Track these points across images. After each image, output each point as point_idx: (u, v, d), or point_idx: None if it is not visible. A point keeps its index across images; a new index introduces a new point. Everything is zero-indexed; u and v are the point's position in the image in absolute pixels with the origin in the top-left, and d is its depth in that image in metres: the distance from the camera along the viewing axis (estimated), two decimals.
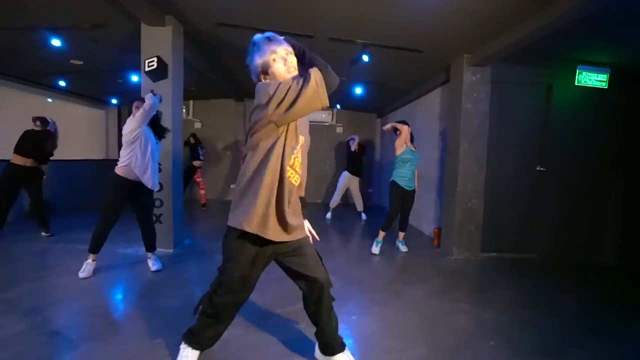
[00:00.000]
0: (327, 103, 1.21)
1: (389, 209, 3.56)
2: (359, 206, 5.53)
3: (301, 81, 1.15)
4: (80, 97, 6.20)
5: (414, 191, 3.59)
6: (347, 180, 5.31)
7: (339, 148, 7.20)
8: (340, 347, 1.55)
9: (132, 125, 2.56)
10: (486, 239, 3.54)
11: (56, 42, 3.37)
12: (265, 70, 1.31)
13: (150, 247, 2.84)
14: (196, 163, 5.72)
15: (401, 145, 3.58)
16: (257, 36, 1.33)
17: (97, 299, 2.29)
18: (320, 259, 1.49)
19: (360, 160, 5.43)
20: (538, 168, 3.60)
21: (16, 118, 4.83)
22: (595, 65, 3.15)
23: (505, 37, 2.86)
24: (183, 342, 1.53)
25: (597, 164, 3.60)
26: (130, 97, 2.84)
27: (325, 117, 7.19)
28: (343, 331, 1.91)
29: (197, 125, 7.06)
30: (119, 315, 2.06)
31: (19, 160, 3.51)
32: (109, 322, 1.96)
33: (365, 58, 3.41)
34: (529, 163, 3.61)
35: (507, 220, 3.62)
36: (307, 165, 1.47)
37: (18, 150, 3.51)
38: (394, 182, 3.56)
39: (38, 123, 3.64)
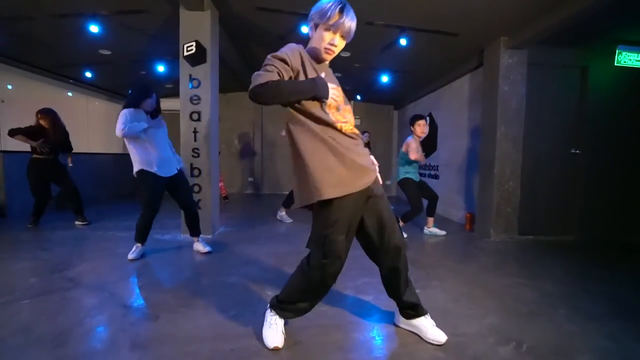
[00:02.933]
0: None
1: (412, 204, 3.43)
2: None
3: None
4: (99, 90, 6.19)
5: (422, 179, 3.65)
6: None
7: None
8: (423, 309, 1.56)
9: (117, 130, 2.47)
10: (523, 222, 3.55)
11: (94, 28, 3.37)
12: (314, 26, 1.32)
13: (195, 230, 2.83)
14: None
15: (417, 151, 3.44)
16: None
17: (156, 278, 2.29)
18: (397, 220, 1.47)
19: None
20: (573, 150, 3.61)
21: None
22: (636, 44, 3.16)
23: (545, 19, 2.86)
24: (270, 310, 1.53)
25: (633, 145, 3.62)
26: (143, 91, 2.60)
27: None
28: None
29: None
30: (184, 291, 2.06)
31: (39, 155, 3.57)
32: (178, 297, 1.96)
33: (403, 42, 3.41)
34: (564, 145, 3.62)
35: (543, 202, 3.63)
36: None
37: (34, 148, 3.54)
38: (406, 178, 3.48)
39: (47, 121, 3.56)
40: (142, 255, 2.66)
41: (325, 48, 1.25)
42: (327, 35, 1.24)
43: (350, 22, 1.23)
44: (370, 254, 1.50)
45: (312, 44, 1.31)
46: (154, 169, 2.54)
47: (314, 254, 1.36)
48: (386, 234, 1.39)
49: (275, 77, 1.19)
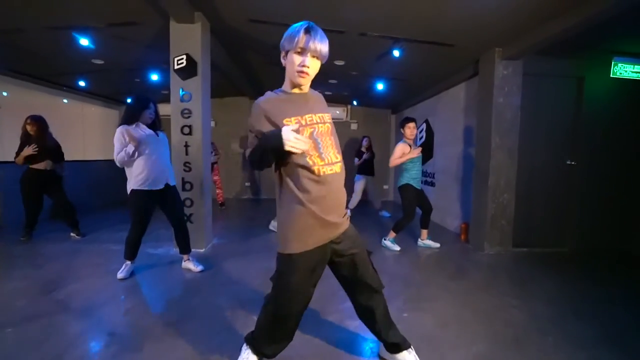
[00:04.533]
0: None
1: (405, 212, 3.41)
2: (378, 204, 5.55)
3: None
4: (94, 97, 6.17)
5: (422, 188, 3.54)
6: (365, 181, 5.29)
7: (354, 144, 7.17)
8: (405, 344, 1.55)
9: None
10: (517, 234, 3.53)
11: (84, 42, 3.35)
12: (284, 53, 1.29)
13: (184, 248, 2.79)
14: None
15: (399, 156, 3.38)
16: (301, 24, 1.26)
17: (144, 299, 2.28)
18: (369, 254, 1.46)
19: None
20: (569, 162, 3.58)
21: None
22: (632, 56, 3.12)
23: (540, 31, 2.82)
24: (245, 344, 1.52)
25: (629, 157, 3.58)
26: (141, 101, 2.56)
27: (339, 113, 7.16)
28: (398, 327, 1.90)
29: (211, 124, 7.03)
30: (171, 314, 2.05)
31: (37, 165, 3.53)
32: (165, 321, 1.95)
33: (396, 53, 3.37)
34: (560, 157, 3.58)
35: (538, 214, 3.60)
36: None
37: (31, 159, 3.49)
38: (407, 184, 3.41)
39: (34, 128, 3.49)
40: (131, 274, 2.65)
41: (298, 71, 1.23)
42: (297, 58, 1.22)
43: (318, 43, 1.21)
44: (346, 291, 1.50)
45: (287, 73, 1.29)
46: (145, 186, 2.49)
47: (272, 289, 1.39)
48: (359, 274, 1.40)
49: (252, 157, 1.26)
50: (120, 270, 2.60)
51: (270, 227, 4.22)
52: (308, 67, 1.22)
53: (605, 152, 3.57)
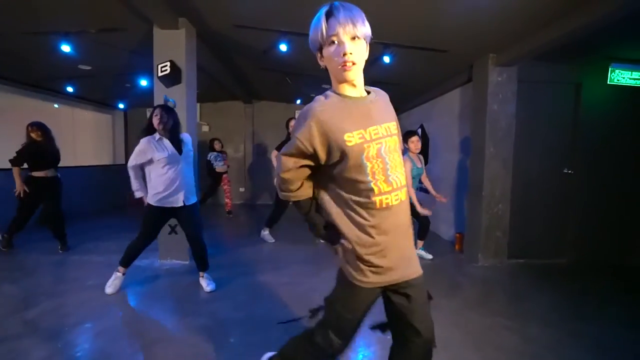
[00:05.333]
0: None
1: None
2: None
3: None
4: (86, 101, 6.09)
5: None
6: None
7: None
8: None
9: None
10: (513, 245, 3.42)
11: (66, 48, 3.27)
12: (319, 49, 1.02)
13: (201, 265, 2.64)
14: (219, 169, 5.57)
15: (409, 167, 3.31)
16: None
17: (117, 319, 2.17)
18: (430, 298, 1.19)
19: None
20: (566, 170, 3.47)
21: (23, 125, 4.74)
22: (629, 62, 3.02)
23: (536, 37, 2.72)
24: None
25: (628, 165, 3.47)
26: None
27: None
28: (381, 351, 1.80)
29: (205, 128, 6.95)
30: (143, 338, 1.95)
31: (40, 173, 3.41)
32: (134, 348, 1.85)
33: (386, 59, 3.28)
34: (556, 165, 3.48)
35: (534, 224, 3.49)
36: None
37: (36, 166, 3.39)
38: None
39: (39, 133, 3.41)
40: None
41: (341, 64, 0.95)
42: (333, 50, 0.96)
43: (346, 18, 0.94)
44: (393, 332, 1.22)
45: (331, 73, 1.03)
46: (158, 203, 2.41)
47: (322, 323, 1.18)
48: (416, 320, 1.11)
49: (290, 186, 1.07)
50: (108, 284, 2.51)
51: (261, 237, 4.11)
52: (351, 53, 0.94)
53: (604, 160, 3.47)
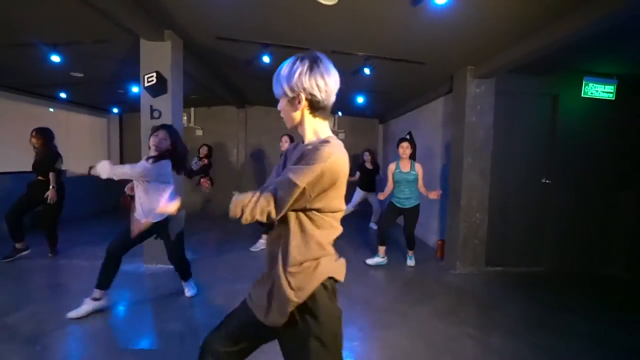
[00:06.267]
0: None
1: (382, 224, 3.65)
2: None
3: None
4: (81, 106, 6.19)
5: (413, 208, 3.48)
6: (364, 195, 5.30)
7: None
8: None
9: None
10: (491, 253, 3.48)
11: (55, 58, 3.36)
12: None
13: (181, 276, 2.68)
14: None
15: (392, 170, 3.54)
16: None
17: (98, 323, 2.26)
18: None
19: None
20: (544, 180, 3.53)
21: (18, 129, 4.85)
22: (602, 76, 3.08)
23: (513, 50, 2.79)
24: None
25: (604, 175, 3.54)
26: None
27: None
28: (351, 358, 1.88)
29: (199, 132, 7.04)
30: (116, 342, 2.03)
31: (42, 177, 3.52)
32: (107, 352, 1.93)
33: (366, 71, 3.36)
34: (534, 175, 3.54)
35: (512, 233, 3.56)
36: None
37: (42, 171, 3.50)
38: (389, 201, 3.62)
39: (36, 141, 3.49)
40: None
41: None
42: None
43: (273, 84, 1.06)
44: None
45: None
46: (139, 217, 2.34)
47: None
48: None
49: None
50: (77, 309, 2.29)
51: (252, 249, 4.11)
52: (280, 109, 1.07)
53: (581, 170, 3.53)
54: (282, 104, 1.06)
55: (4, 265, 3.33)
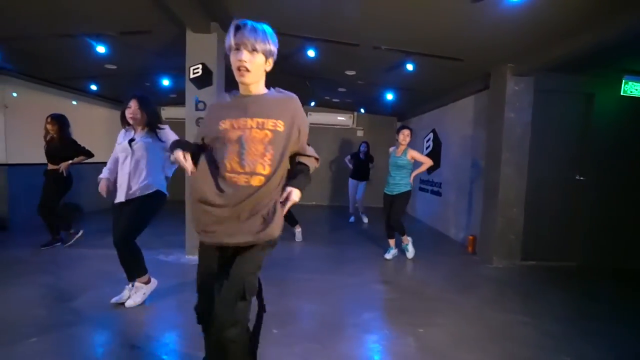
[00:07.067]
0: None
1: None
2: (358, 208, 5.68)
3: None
4: (101, 98, 6.19)
5: (400, 195, 3.44)
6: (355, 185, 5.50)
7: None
8: None
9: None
10: (526, 247, 3.56)
11: (101, 49, 3.38)
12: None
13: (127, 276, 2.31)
14: None
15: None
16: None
17: (160, 311, 2.30)
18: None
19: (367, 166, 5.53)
20: (578, 177, 3.61)
21: (42, 120, 4.83)
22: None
23: (556, 49, 2.85)
24: None
25: (638, 172, 3.61)
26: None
27: (346, 120, 7.20)
28: (415, 343, 1.93)
29: None
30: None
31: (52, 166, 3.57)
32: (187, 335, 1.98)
33: (409, 67, 3.41)
34: (569, 172, 3.62)
35: (547, 228, 3.63)
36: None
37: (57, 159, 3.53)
38: (384, 192, 3.66)
39: (51, 127, 3.48)
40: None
41: (236, 68, 1.15)
42: (232, 55, 1.15)
43: (248, 34, 1.12)
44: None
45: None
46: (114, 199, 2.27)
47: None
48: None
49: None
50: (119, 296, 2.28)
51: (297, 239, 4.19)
52: (245, 61, 1.12)
53: (615, 167, 3.61)
54: (257, 60, 1.15)
55: (47, 253, 3.37)
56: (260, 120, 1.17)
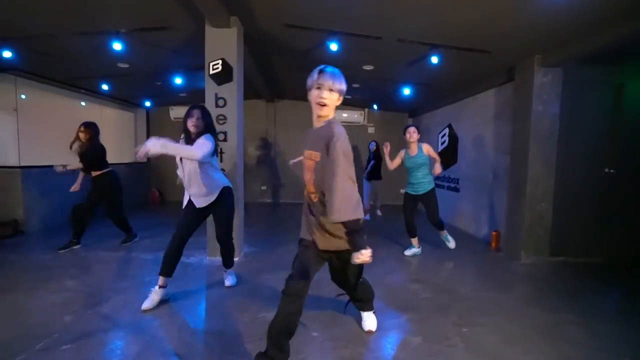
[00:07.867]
0: None
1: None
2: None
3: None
4: (113, 99, 6.11)
5: (427, 194, 3.41)
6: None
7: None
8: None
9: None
10: (554, 243, 3.47)
11: (117, 46, 3.29)
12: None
13: (225, 262, 2.64)
14: None
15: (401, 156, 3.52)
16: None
17: (185, 317, 2.22)
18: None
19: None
20: (607, 170, 3.52)
21: (53, 122, 4.76)
22: None
23: (586, 41, 2.75)
24: None
25: None
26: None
27: (357, 117, 7.10)
28: (462, 343, 1.85)
29: None
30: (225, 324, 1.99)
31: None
32: (188, 343, 1.89)
33: (434, 60, 3.32)
34: (598, 165, 3.52)
35: (576, 223, 3.54)
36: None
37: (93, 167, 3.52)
38: (405, 191, 3.60)
39: (84, 136, 3.43)
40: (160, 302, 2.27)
41: (316, 102, 1.46)
42: (314, 92, 1.46)
43: (328, 77, 1.43)
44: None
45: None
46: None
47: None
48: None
49: None
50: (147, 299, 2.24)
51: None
52: (325, 99, 1.44)
53: None
54: (332, 97, 1.46)
55: (70, 257, 3.29)
56: (309, 152, 1.54)
